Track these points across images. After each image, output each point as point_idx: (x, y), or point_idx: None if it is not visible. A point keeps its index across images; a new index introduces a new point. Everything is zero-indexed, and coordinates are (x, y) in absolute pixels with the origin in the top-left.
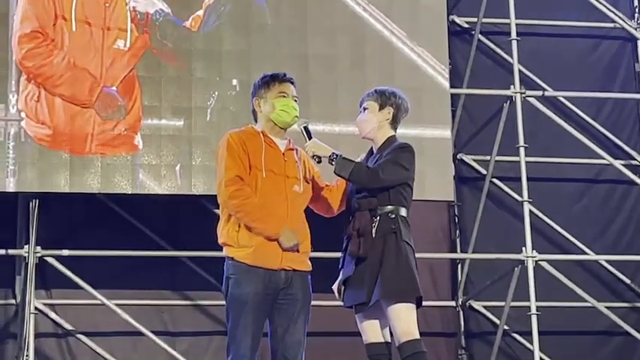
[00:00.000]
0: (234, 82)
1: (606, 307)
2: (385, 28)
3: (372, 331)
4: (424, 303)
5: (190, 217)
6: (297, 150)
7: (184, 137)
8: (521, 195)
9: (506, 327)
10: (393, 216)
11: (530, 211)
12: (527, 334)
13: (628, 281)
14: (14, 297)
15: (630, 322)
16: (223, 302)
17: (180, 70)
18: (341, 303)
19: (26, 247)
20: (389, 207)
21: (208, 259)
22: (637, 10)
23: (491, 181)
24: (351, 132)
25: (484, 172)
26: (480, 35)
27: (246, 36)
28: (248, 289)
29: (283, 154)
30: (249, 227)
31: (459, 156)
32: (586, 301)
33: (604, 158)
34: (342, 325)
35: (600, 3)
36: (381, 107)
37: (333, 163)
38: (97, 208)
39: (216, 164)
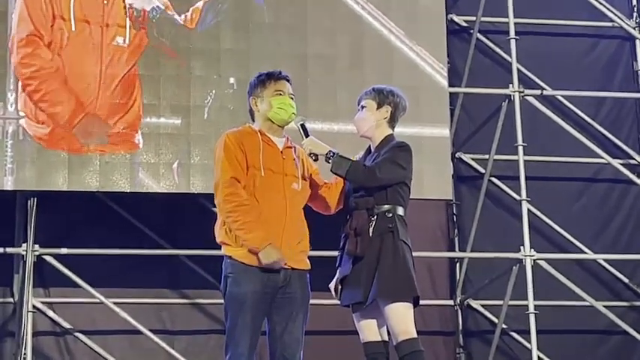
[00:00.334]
0: (232, 80)
1: (604, 306)
2: (384, 27)
3: (369, 330)
4: (422, 302)
5: (189, 215)
6: (295, 148)
7: (183, 136)
8: (519, 194)
9: (504, 326)
10: (391, 215)
11: (529, 210)
12: (526, 333)
13: (626, 280)
14: (12, 295)
15: (628, 321)
16: (222, 301)
17: (179, 68)
18: (338, 302)
19: (24, 245)
20: (386, 206)
21: (207, 257)
22: (635, 9)
23: (489, 180)
24: (350, 131)
25: (482, 170)
26: (478, 34)
27: (245, 35)
28: (246, 287)
29: (281, 152)
30: (236, 231)
31: (457, 155)
32: (584, 300)
33: (602, 157)
34: (340, 324)
35: (599, 2)
36: (379, 106)
37: (330, 161)
38: (96, 207)
39: (214, 164)
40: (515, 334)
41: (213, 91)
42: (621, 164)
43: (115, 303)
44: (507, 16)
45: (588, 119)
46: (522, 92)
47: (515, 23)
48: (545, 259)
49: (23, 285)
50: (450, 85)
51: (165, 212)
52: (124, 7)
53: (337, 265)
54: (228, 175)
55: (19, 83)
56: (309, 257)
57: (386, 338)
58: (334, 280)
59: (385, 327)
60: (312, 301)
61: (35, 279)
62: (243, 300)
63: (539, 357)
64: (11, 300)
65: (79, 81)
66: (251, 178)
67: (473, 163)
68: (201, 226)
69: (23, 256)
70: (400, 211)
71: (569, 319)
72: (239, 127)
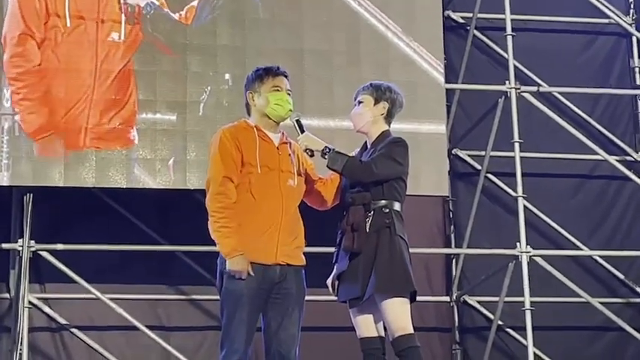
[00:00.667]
0: (227, 76)
1: (600, 303)
2: (380, 23)
3: (365, 325)
4: (418, 298)
5: (185, 211)
6: (290, 143)
7: (179, 132)
8: (515, 190)
9: (500, 322)
10: (387, 210)
11: (525, 206)
12: (521, 330)
13: (622, 277)
14: (8, 291)
15: (624, 318)
16: (218, 297)
17: (175, 64)
18: (335, 298)
19: (20, 241)
20: (383, 202)
21: (203, 253)
22: (632, 6)
23: (485, 177)
24: (347, 127)
25: (479, 167)
26: (475, 31)
27: (241, 31)
28: (242, 283)
29: (277, 148)
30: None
31: (453, 151)
32: (580, 296)
33: (598, 154)
34: (336, 320)
35: None
36: (377, 101)
37: (326, 157)
38: (92, 203)
39: (209, 159)
40: (511, 331)
41: (209, 88)
42: (617, 161)
43: (110, 299)
44: (504, 13)
45: (585, 116)
46: (519, 89)
47: (511, 20)
48: (542, 256)
49: (19, 281)
50: (447, 82)
51: (161, 208)
52: (119, 2)
53: (334, 261)
54: (220, 174)
55: None
56: (305, 253)
57: (382, 334)
58: (331, 276)
59: (382, 322)
60: (308, 298)
61: (31, 275)
62: (239, 296)
63: (535, 353)
64: (7, 296)
65: (75, 77)
66: (247, 175)
67: (469, 159)
68: (197, 222)
69: (19, 251)
70: (397, 206)
71: (565, 316)
72: (235, 122)
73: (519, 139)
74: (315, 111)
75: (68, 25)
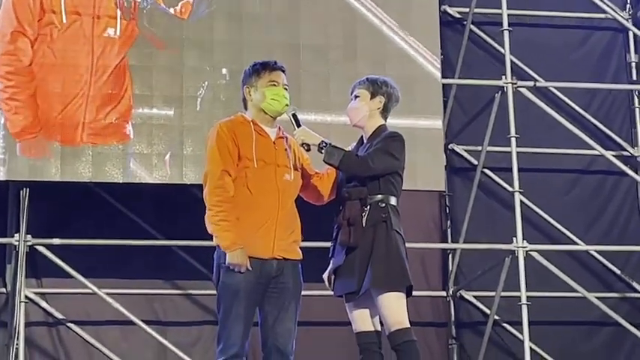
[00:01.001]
0: (224, 71)
1: (597, 298)
2: (377, 17)
3: (362, 320)
4: (415, 293)
5: (181, 206)
6: (286, 138)
7: (175, 126)
8: (512, 185)
9: (496, 317)
10: (383, 205)
11: (521, 201)
12: (518, 324)
13: (618, 272)
14: (4, 285)
15: (621, 313)
16: (214, 292)
17: (171, 58)
18: (331, 292)
19: (17, 235)
20: (379, 196)
21: (199, 248)
22: (628, 1)
23: (482, 172)
24: (343, 122)
25: (475, 162)
26: (471, 25)
27: (238, 25)
28: (240, 277)
29: (274, 142)
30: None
31: (450, 146)
32: (576, 291)
33: (595, 149)
34: (333, 315)
35: None
36: (373, 96)
37: (323, 151)
38: (88, 197)
39: (206, 153)
40: (507, 326)
41: (206, 83)
42: (614, 156)
43: (107, 293)
44: (500, 8)
45: (581, 111)
46: (515, 84)
47: (508, 15)
48: (538, 251)
49: (16, 275)
50: (443, 77)
51: (158, 203)
52: None
53: (330, 255)
54: (219, 167)
55: None
56: (301, 248)
57: (379, 328)
58: (327, 270)
59: (378, 317)
60: (304, 292)
61: (28, 269)
62: (236, 290)
63: (531, 348)
64: (4, 290)
65: (71, 73)
66: (243, 170)
67: (466, 154)
68: (194, 216)
69: (16, 246)
70: (393, 201)
71: (562, 311)
72: (231, 116)
73: (516, 134)
74: (312, 106)
75: (64, 21)
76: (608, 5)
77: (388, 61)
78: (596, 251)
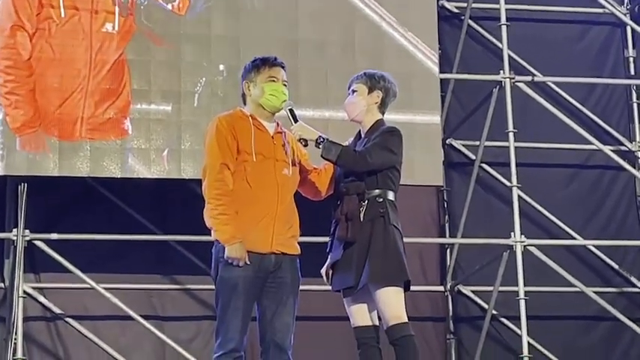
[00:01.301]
0: (222, 67)
1: (594, 292)
2: (375, 13)
3: (360, 314)
4: (412, 287)
5: (180, 201)
6: (284, 133)
7: (173, 122)
8: (510, 180)
9: (494, 312)
10: (381, 200)
11: (519, 196)
12: (516, 319)
13: (616, 266)
14: (3, 280)
15: (618, 308)
16: (212, 286)
17: (169, 54)
18: (329, 287)
19: (15, 230)
20: (377, 191)
21: (197, 243)
22: None
23: (480, 167)
24: (341, 117)
25: (473, 157)
26: (469, 20)
27: (236, 21)
28: (238, 272)
29: (272, 137)
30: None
31: (448, 141)
32: (574, 286)
33: (593, 144)
34: (331, 309)
35: None
36: (370, 90)
37: (320, 146)
38: (86, 192)
39: (205, 147)
40: (505, 320)
41: (204, 78)
42: (612, 150)
43: (105, 288)
44: (498, 3)
45: (579, 106)
46: (513, 78)
47: (506, 9)
48: (536, 245)
49: (14, 270)
50: (441, 72)
51: (156, 198)
52: None
53: (328, 250)
54: (218, 160)
55: None
56: (299, 243)
57: (377, 323)
58: (325, 265)
59: (376, 311)
60: (302, 287)
61: (26, 264)
62: (234, 285)
63: (529, 343)
64: (2, 285)
65: (70, 68)
66: (242, 163)
67: (463, 149)
68: (192, 211)
69: (14, 241)
70: (391, 195)
71: (560, 305)
72: (230, 111)
73: (514, 128)
74: (310, 101)
75: (62, 15)
76: (606, 0)
77: (386, 56)
78: (593, 246)
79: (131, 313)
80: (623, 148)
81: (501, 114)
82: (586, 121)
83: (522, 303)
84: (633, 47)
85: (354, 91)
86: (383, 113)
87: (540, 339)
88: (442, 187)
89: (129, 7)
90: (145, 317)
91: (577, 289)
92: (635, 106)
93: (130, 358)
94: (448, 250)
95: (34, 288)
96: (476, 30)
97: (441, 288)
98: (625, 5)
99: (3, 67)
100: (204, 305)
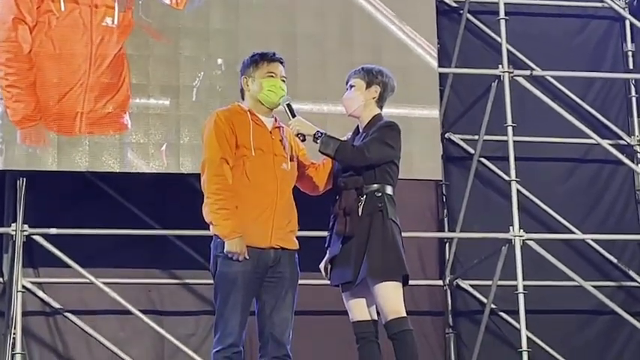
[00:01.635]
0: (220, 61)
1: (593, 286)
2: (373, 7)
3: (358, 309)
4: (411, 282)
5: (178, 195)
6: (282, 128)
7: (172, 116)
8: (508, 174)
9: (493, 306)
10: (380, 194)
11: (518, 190)
12: (514, 313)
13: (615, 260)
14: (2, 275)
15: (617, 302)
16: (211, 281)
17: (167, 48)
18: (328, 282)
19: (14, 225)
20: (375, 185)
21: (196, 237)
22: None
23: (479, 161)
24: (339, 111)
25: (472, 151)
26: (468, 14)
27: (234, 15)
28: (237, 267)
29: (270, 132)
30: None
31: (447, 135)
32: (573, 280)
33: (592, 138)
34: (329, 304)
35: None
36: (368, 85)
37: (318, 141)
38: (85, 187)
39: (203, 142)
40: (504, 314)
41: (202, 73)
42: (610, 145)
43: (104, 283)
44: None
45: (578, 100)
46: (512, 73)
47: (504, 3)
48: (535, 240)
49: (13, 265)
50: (440, 66)
51: (155, 192)
52: None
53: (326, 245)
54: (217, 155)
55: None
56: (298, 237)
57: (375, 317)
58: (324, 260)
59: (374, 306)
60: (301, 282)
61: (25, 259)
62: (233, 280)
63: (528, 337)
64: (1, 280)
65: (70, 62)
66: (240, 158)
67: (462, 143)
68: (191, 206)
69: (12, 236)
70: (389, 190)
71: (558, 299)
72: (228, 105)
73: (512, 123)
74: (308, 95)
75: (62, 9)
76: None
77: (385, 51)
78: (592, 240)
79: (130, 307)
80: (621, 142)
81: (500, 108)
82: (585, 115)
83: (521, 297)
84: (632, 41)
85: (351, 86)
86: (381, 108)
87: (539, 333)
88: (441, 181)
89: (127, 1)
90: (144, 312)
91: (576, 284)
92: (633, 100)
93: (128, 352)
94: (447, 245)
95: (33, 283)
96: (474, 24)
97: (440, 282)
98: None
99: (4, 59)
100: (203, 300)
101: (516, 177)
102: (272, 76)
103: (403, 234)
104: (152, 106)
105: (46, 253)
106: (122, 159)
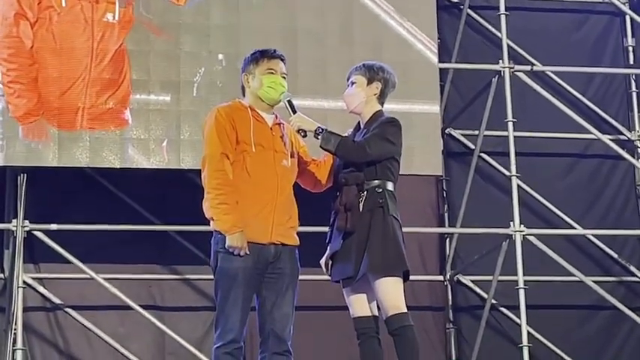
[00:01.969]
0: (220, 56)
1: (594, 282)
2: (374, 2)
3: (359, 305)
4: (412, 277)
5: (179, 191)
6: (283, 125)
7: (172, 112)
8: (509, 170)
9: (493, 301)
10: (380, 190)
11: (519, 185)
12: (515, 308)
13: (615, 255)
14: (2, 271)
15: (617, 297)
16: (212, 277)
17: (168, 44)
18: (328, 277)
19: (14, 221)
20: (376, 181)
21: (197, 233)
22: None
23: (479, 156)
24: (340, 107)
25: (472, 146)
26: (468, 10)
27: (235, 10)
28: (238, 263)
29: (271, 128)
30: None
31: (447, 131)
32: (574, 275)
33: (592, 133)
34: (330, 300)
35: None
36: (369, 82)
37: (319, 137)
38: (86, 183)
39: (204, 137)
40: (504, 310)
41: (203, 68)
42: (611, 140)
43: (105, 278)
44: None
45: (578, 95)
46: (512, 68)
47: None
48: (535, 235)
49: (13, 260)
50: (440, 61)
51: (155, 188)
52: None
53: (327, 241)
54: (218, 150)
55: None
56: (298, 233)
57: (376, 313)
58: (325, 255)
59: (375, 302)
60: (301, 277)
61: (25, 255)
62: (234, 275)
63: (528, 332)
64: (1, 276)
65: (71, 57)
66: (241, 154)
67: (463, 139)
68: (191, 201)
69: (13, 231)
70: (390, 186)
71: (559, 295)
72: (229, 102)
73: (513, 118)
74: (309, 91)
75: (63, 4)
76: None
77: (385, 46)
78: (593, 235)
79: (130, 303)
80: (622, 137)
81: (500, 103)
82: (585, 110)
83: (522, 292)
84: (632, 36)
85: (353, 83)
86: (382, 104)
87: (540, 328)
88: (441, 176)
89: None
90: (145, 307)
91: (576, 279)
92: (634, 95)
93: (129, 348)
94: (447, 240)
95: (33, 278)
96: (475, 19)
97: (441, 278)
98: None
99: (6, 55)
100: (204, 296)
101: (517, 172)
102: (272, 73)
103: (404, 229)
104: (153, 102)
105: (47, 248)
106: (123, 155)
